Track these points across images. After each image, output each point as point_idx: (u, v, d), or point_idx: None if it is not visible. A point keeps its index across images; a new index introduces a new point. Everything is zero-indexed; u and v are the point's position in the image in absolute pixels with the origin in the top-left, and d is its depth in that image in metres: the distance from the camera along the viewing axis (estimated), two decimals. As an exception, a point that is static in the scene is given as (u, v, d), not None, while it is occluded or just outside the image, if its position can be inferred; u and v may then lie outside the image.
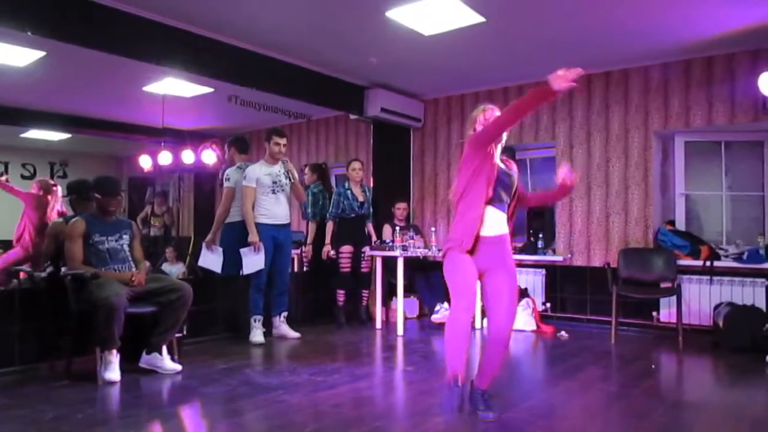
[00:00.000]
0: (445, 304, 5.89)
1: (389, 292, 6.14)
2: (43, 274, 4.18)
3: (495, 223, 2.99)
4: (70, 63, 5.61)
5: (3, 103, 7.29)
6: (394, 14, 4.54)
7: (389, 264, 5.89)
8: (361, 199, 5.97)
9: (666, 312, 5.49)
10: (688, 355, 4.76)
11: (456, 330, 2.87)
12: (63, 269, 3.92)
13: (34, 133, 8.73)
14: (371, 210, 6.15)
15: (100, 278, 3.72)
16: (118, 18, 4.36)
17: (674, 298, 5.13)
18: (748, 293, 5.19)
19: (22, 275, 4.56)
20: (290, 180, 5.17)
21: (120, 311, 3.60)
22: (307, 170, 6.66)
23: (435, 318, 5.86)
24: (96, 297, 3.60)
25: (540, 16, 4.65)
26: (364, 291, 6.16)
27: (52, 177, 10.49)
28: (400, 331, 5.49)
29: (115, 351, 3.65)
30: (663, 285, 5.41)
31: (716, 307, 5.16)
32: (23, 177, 10.27)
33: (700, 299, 5.39)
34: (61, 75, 6.13)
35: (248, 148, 5.72)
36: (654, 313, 5.59)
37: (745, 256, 5.27)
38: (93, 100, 7.28)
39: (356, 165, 6.02)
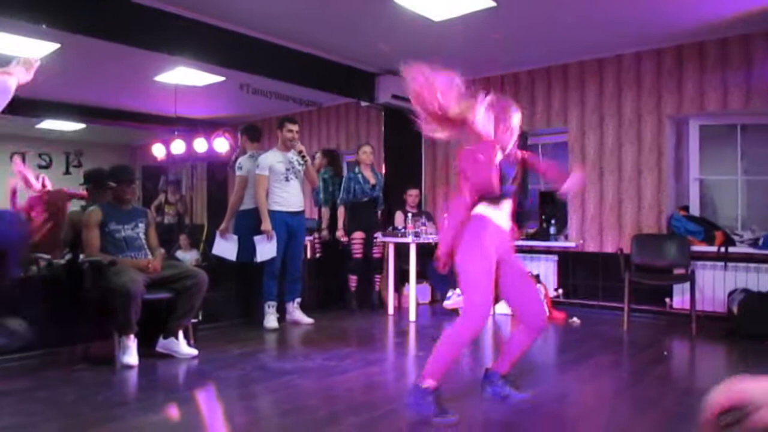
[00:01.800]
0: (457, 290, 5.91)
1: (401, 279, 6.18)
2: (62, 262, 4.26)
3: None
4: (84, 54, 5.66)
5: (19, 95, 7.36)
6: (403, 0, 4.52)
7: (401, 250, 5.92)
8: (372, 181, 6.00)
9: (679, 298, 5.47)
10: (701, 342, 4.75)
11: (471, 340, 2.83)
12: (81, 257, 3.99)
13: (50, 124, 8.84)
14: (382, 196, 6.17)
15: (117, 265, 3.79)
16: (130, 9, 4.41)
17: (687, 284, 5.11)
18: (763, 280, 5.13)
19: (41, 263, 4.64)
20: (303, 163, 5.19)
21: (137, 297, 3.67)
22: (318, 155, 6.69)
23: (447, 304, 5.89)
24: (113, 284, 3.67)
25: (550, 0, 4.61)
26: (376, 276, 6.20)
27: (67, 166, 10.64)
28: (412, 316, 5.53)
29: (132, 336, 3.73)
30: (676, 271, 5.39)
31: (730, 293, 5.13)
32: (40, 167, 10.40)
33: (714, 285, 5.36)
34: (75, 66, 6.18)
35: (260, 136, 5.75)
36: (667, 300, 5.57)
37: (760, 242, 5.21)
38: (107, 90, 7.35)
39: (367, 149, 6.04)
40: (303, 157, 5.17)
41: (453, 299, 5.84)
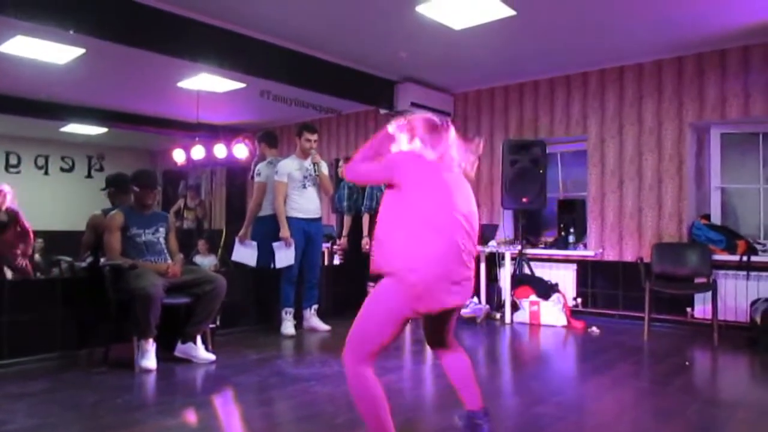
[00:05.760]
0: (475, 299, 5.89)
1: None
2: (83, 265, 4.32)
3: None
4: (109, 60, 5.76)
5: (45, 98, 7.52)
6: (425, 9, 4.55)
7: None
8: None
9: (701, 308, 5.40)
10: (723, 351, 4.67)
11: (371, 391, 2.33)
12: (102, 260, 4.04)
13: (73, 127, 8.98)
14: None
15: (138, 269, 3.83)
16: (155, 16, 4.48)
17: (709, 293, 5.04)
18: (786, 289, 5.06)
19: (63, 265, 4.71)
20: (317, 174, 5.18)
21: (156, 301, 3.70)
22: (340, 164, 6.71)
23: (463, 312, 5.85)
24: (133, 287, 3.71)
25: (570, 8, 4.60)
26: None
27: (89, 170, 10.80)
28: (429, 324, 5.50)
29: (151, 340, 3.76)
30: (697, 280, 5.32)
31: (753, 303, 5.05)
32: (62, 170, 10.57)
33: (736, 295, 5.28)
34: (99, 71, 6.29)
35: (277, 142, 5.78)
36: (688, 309, 5.49)
37: (783, 252, 5.15)
38: (130, 95, 7.46)
39: None
40: (317, 166, 5.17)
41: (470, 307, 5.82)
